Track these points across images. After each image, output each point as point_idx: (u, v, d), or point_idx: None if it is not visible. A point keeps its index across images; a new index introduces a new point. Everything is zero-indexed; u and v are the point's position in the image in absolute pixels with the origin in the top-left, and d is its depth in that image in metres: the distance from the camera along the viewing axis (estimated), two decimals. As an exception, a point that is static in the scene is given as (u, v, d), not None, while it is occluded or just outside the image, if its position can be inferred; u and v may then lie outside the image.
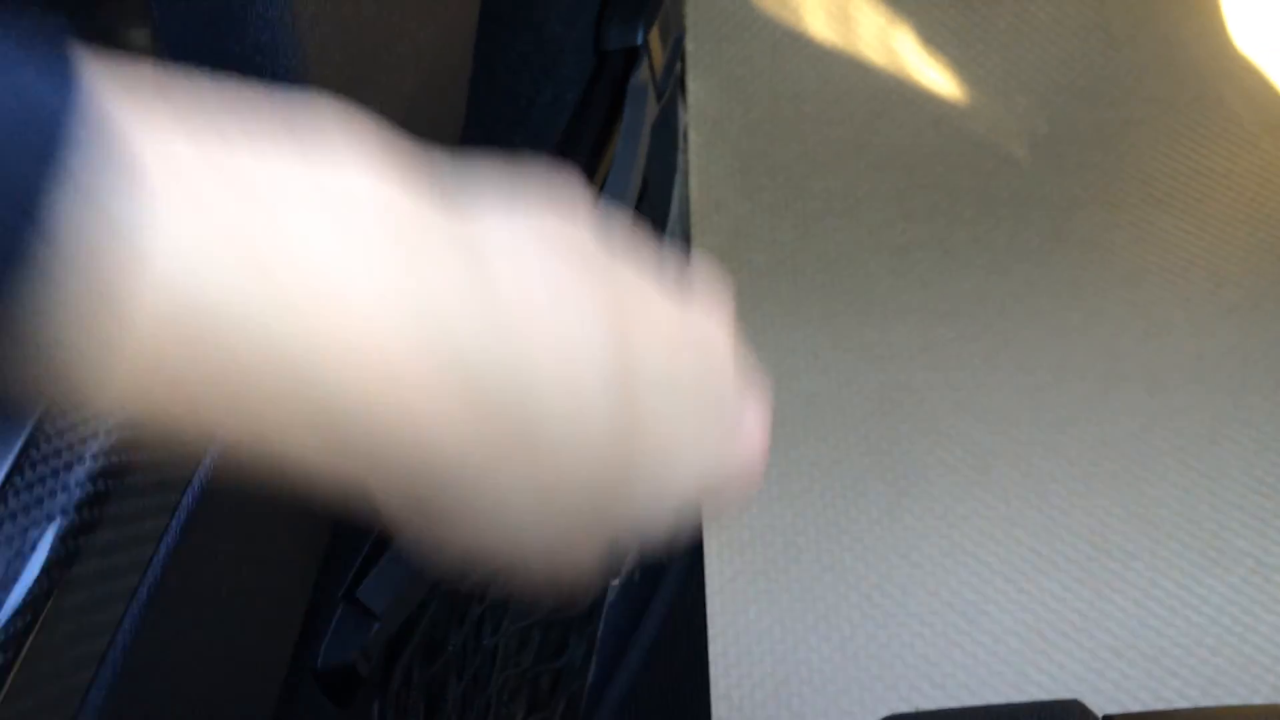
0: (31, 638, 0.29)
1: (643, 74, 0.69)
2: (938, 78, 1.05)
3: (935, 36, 1.06)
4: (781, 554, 0.76)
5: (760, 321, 0.91)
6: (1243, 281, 0.92)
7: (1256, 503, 0.78)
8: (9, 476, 0.32)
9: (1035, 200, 0.98)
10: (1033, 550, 0.76)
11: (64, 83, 0.17)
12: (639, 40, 0.69)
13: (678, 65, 0.77)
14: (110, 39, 0.41)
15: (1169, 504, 0.78)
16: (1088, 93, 1.03)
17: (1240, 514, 0.77)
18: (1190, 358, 0.86)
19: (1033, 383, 0.86)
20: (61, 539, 0.31)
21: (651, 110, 0.70)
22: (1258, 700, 0.68)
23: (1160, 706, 0.68)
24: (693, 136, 1.01)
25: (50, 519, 0.32)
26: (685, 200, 0.93)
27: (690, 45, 1.04)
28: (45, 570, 0.31)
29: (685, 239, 0.90)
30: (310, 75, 0.42)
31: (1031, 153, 1.01)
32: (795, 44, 1.07)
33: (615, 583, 0.74)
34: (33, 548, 0.31)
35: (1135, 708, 0.68)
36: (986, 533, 0.77)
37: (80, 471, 0.33)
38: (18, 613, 0.30)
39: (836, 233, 0.97)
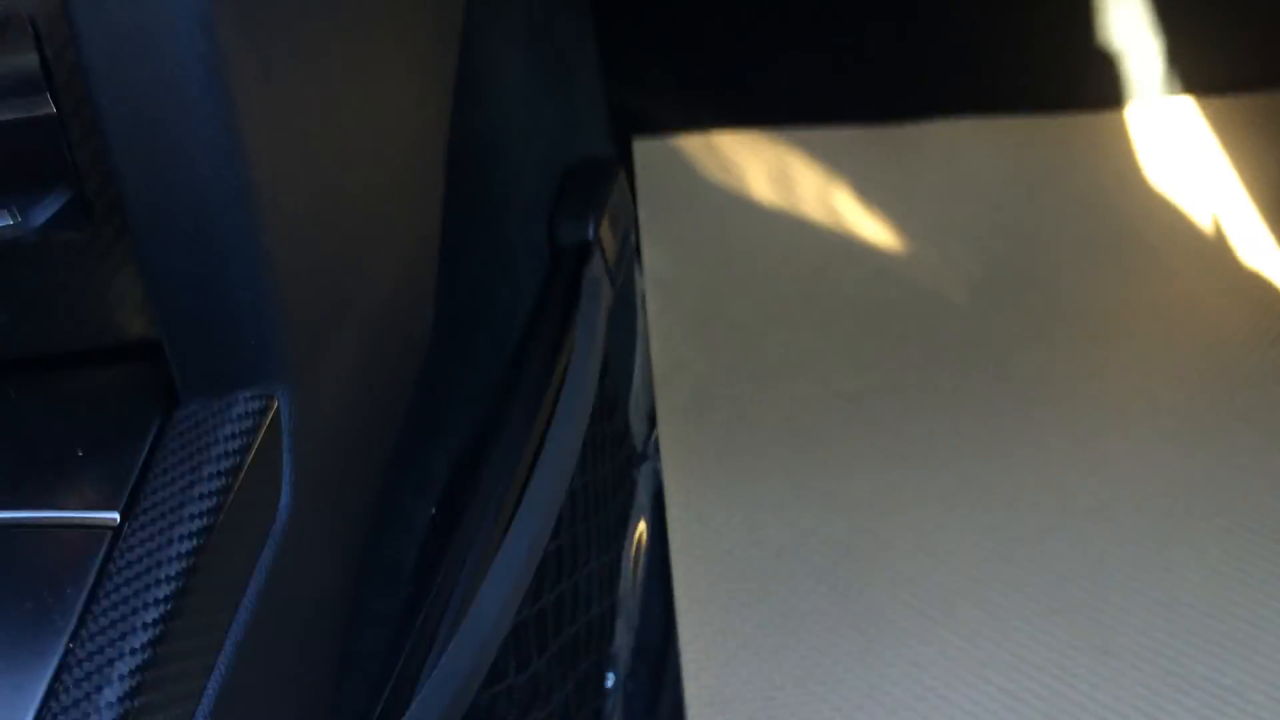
0: None
1: (596, 266, 0.74)
2: (877, 230, 1.12)
3: (871, 191, 1.13)
4: (762, 710, 0.79)
5: (724, 477, 0.95)
6: (1178, 409, 0.97)
7: (1210, 626, 0.81)
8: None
9: (978, 342, 1.03)
10: (1001, 689, 0.79)
11: None
12: (590, 235, 0.74)
13: (630, 248, 0.82)
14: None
15: (1127, 633, 0.81)
16: (1017, 237, 1.10)
17: (1196, 639, 0.80)
18: (1134, 486, 0.91)
19: (988, 520, 0.90)
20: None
21: (606, 298, 0.75)
22: (1228, 825, 0.70)
23: (1135, 839, 0.70)
24: (650, 302, 1.07)
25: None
26: (647, 364, 0.97)
27: (642, 214, 1.10)
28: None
29: (649, 402, 0.95)
30: (287, 314, 0.47)
31: (971, 297, 1.07)
32: (741, 207, 1.13)
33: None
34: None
35: (1111, 841, 0.70)
36: (956, 674, 0.80)
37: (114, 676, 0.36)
38: None
39: (793, 385, 1.02)
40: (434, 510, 0.62)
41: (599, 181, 0.77)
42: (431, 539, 0.61)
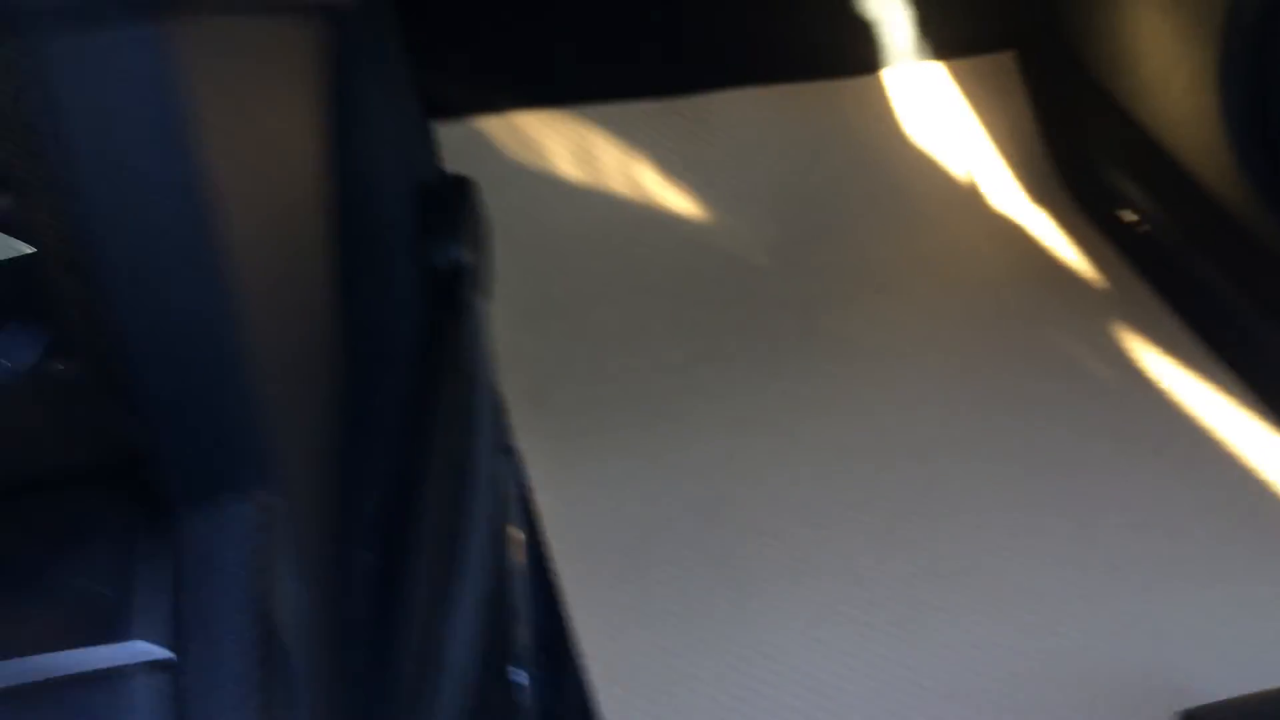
0: None
1: (470, 286, 0.76)
2: (678, 201, 1.18)
3: (668, 163, 1.19)
4: (661, 676, 0.85)
5: (577, 459, 0.99)
6: (963, 347, 1.10)
7: (1024, 546, 0.95)
8: None
9: (783, 302, 1.12)
10: (860, 622, 0.89)
11: None
12: (461, 256, 0.76)
13: (490, 260, 0.84)
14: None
15: (953, 559, 0.93)
16: (804, 198, 1.19)
17: (1010, 562, 0.93)
18: (941, 424, 1.03)
19: (826, 471, 0.99)
20: None
21: (482, 309, 0.77)
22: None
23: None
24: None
25: None
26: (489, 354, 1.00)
27: (454, 202, 1.10)
28: None
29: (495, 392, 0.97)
30: (270, 415, 0.47)
31: (771, 259, 1.15)
32: (547, 187, 1.16)
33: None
34: None
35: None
36: (821, 615, 0.89)
37: None
38: None
39: (623, 361, 1.07)
40: (372, 555, 0.63)
41: (460, 200, 0.78)
42: (378, 586, 0.62)
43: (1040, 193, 1.21)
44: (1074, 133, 1.21)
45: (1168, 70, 1.10)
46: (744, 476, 0.98)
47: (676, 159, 1.19)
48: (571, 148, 1.18)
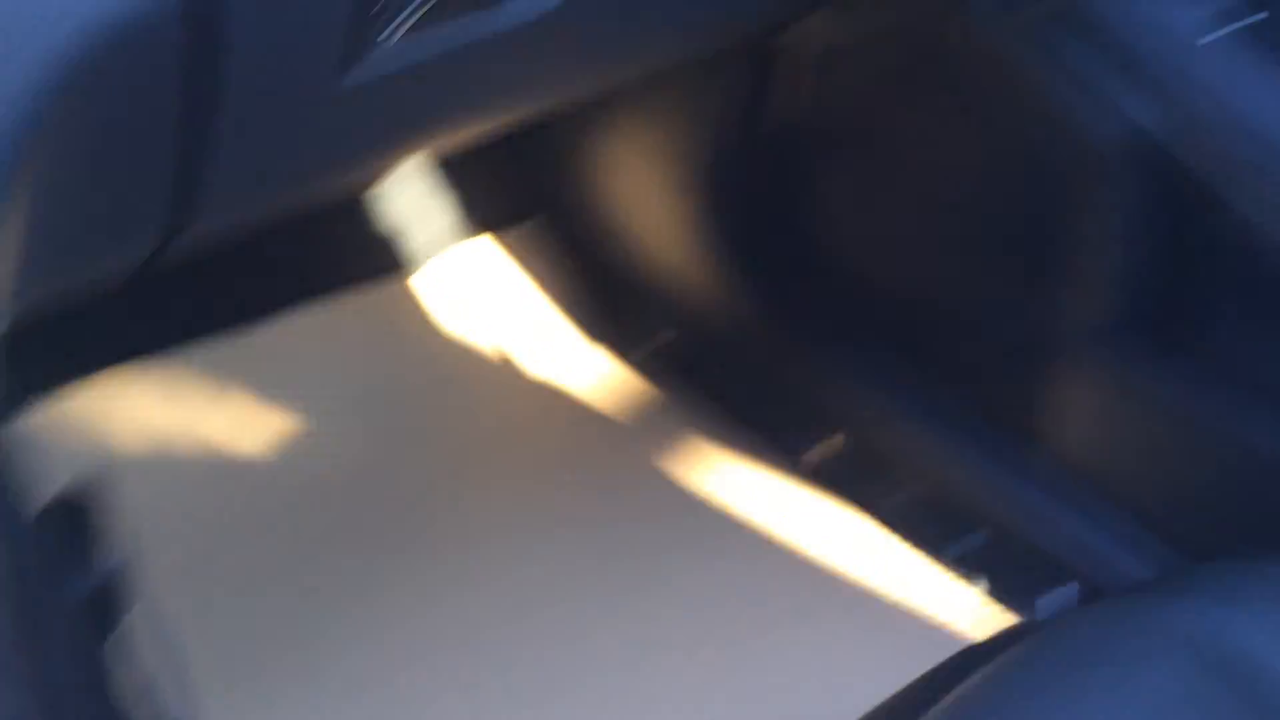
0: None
1: (116, 598, 0.75)
2: (274, 430, 1.22)
3: (259, 397, 1.23)
4: None
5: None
6: (554, 500, 1.22)
7: (646, 652, 1.08)
8: None
9: (390, 504, 1.20)
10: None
11: None
12: (113, 575, 0.75)
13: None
14: None
15: (595, 691, 1.06)
16: (384, 401, 1.28)
17: (640, 666, 1.07)
18: (556, 572, 1.15)
19: (475, 656, 1.09)
20: None
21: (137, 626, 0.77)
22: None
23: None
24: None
25: None
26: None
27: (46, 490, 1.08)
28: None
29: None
30: None
31: (367, 467, 1.22)
32: (137, 452, 1.17)
33: None
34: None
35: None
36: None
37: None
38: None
39: (255, 612, 1.10)
40: None
41: (87, 513, 0.77)
42: None
43: (591, 338, 1.37)
44: (608, 281, 1.38)
45: (657, 217, 1.32)
46: (399, 692, 1.05)
47: (261, 389, 1.24)
48: (144, 406, 1.19)
